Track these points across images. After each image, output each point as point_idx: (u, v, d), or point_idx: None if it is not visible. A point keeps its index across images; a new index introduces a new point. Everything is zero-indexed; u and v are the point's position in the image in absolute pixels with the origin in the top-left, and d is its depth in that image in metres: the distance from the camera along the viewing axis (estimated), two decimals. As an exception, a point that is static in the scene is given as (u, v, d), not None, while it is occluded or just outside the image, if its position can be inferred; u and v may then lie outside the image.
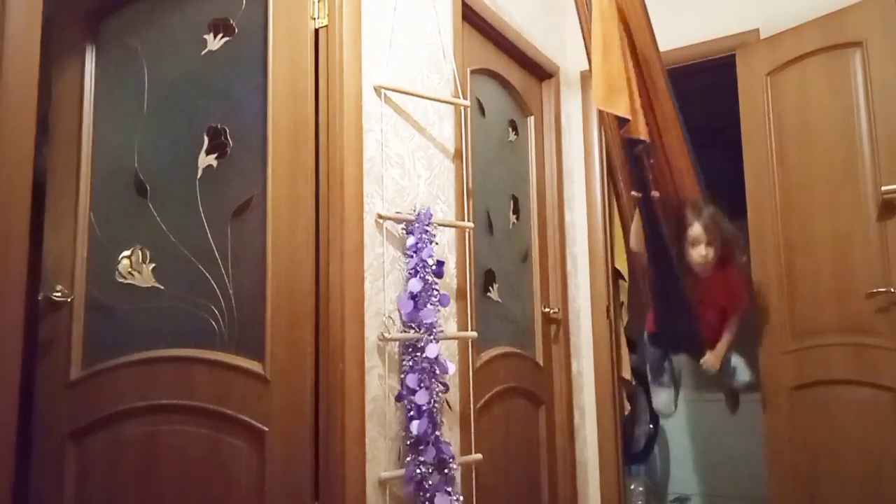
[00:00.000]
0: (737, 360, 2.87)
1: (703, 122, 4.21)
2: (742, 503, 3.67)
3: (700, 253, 2.62)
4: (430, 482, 1.95)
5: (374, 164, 2.03)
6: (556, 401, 2.99)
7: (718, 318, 2.75)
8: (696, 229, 2.64)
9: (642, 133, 2.47)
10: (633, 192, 2.73)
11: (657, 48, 2.64)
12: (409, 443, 1.97)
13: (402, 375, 2.01)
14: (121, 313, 2.06)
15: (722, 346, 2.74)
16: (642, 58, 2.57)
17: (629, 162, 2.72)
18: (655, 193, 2.64)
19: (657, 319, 2.86)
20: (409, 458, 1.96)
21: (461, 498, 2.08)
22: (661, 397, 3.02)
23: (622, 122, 2.44)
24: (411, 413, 1.98)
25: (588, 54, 2.64)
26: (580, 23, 2.69)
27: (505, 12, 2.84)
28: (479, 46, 2.71)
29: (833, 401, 2.62)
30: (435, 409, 2.00)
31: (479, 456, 2.25)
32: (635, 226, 2.74)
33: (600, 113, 2.77)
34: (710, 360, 2.73)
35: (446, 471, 2.00)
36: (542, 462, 2.85)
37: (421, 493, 1.95)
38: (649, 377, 3.04)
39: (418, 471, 1.94)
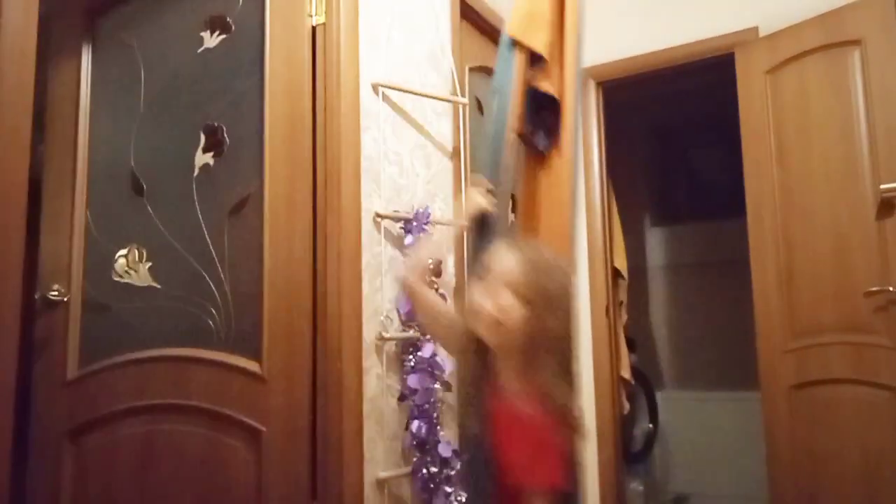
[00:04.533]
0: None
1: (702, 121, 4.23)
2: (741, 502, 3.67)
3: (503, 302, 1.29)
4: (437, 481, 1.95)
5: (371, 163, 2.02)
6: (555, 400, 2.98)
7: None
8: (507, 261, 1.32)
9: (552, 88, 1.89)
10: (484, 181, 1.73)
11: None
12: (413, 443, 1.97)
13: (404, 376, 2.00)
14: (117, 312, 2.05)
15: None
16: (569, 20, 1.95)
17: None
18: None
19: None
20: (415, 458, 1.96)
21: (464, 496, 2.07)
22: None
23: (533, 65, 1.86)
24: (414, 413, 1.98)
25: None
26: None
27: (503, 9, 2.83)
28: (477, 44, 2.70)
29: (832, 400, 2.61)
30: (435, 409, 2.00)
31: (478, 455, 2.25)
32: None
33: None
34: None
35: (448, 470, 1.99)
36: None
37: (427, 493, 1.95)
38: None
39: (425, 470, 1.94)
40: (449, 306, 1.62)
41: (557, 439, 1.29)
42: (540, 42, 1.86)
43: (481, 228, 1.65)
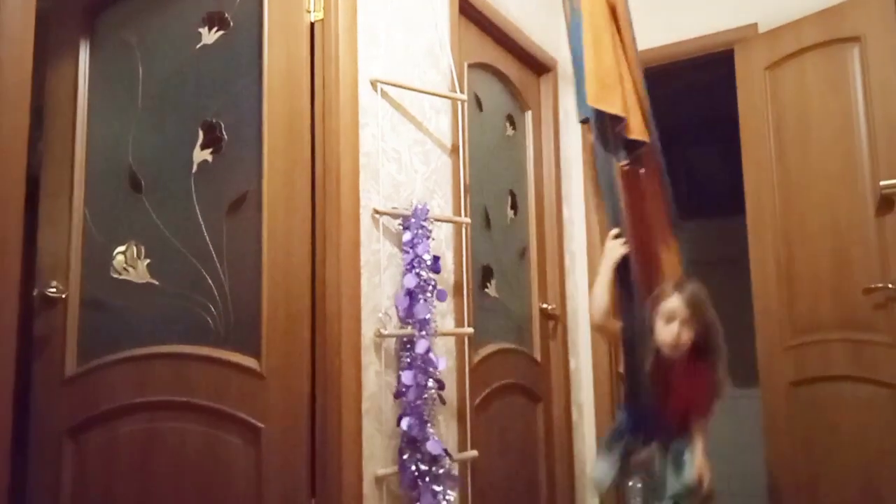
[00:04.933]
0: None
1: (701, 118, 4.21)
2: (740, 499, 3.67)
3: (672, 331, 2.10)
4: (426, 479, 1.94)
5: (370, 159, 2.02)
6: (554, 397, 2.99)
7: (682, 415, 2.20)
8: (673, 302, 2.13)
9: (638, 133, 2.27)
10: (614, 231, 2.27)
11: (636, 52, 2.44)
12: (404, 440, 1.97)
13: (399, 372, 2.00)
14: (116, 309, 2.05)
15: (700, 452, 2.20)
16: (629, 58, 2.40)
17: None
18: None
19: (627, 395, 2.38)
20: (405, 456, 1.95)
21: (455, 494, 2.07)
22: (601, 466, 2.29)
23: (614, 122, 2.26)
24: (406, 410, 1.97)
25: (572, 51, 2.47)
26: (565, 17, 2.53)
27: (502, 6, 2.82)
28: (477, 40, 2.70)
29: (832, 397, 2.61)
30: (425, 406, 1.99)
31: (475, 452, 2.25)
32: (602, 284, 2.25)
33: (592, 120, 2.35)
34: (702, 470, 2.18)
35: (436, 468, 1.98)
36: (539, 458, 2.85)
37: (415, 491, 1.95)
38: (607, 436, 2.40)
39: (413, 467, 1.93)
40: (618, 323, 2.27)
41: (711, 396, 2.20)
42: (618, 102, 2.25)
43: (624, 266, 2.23)
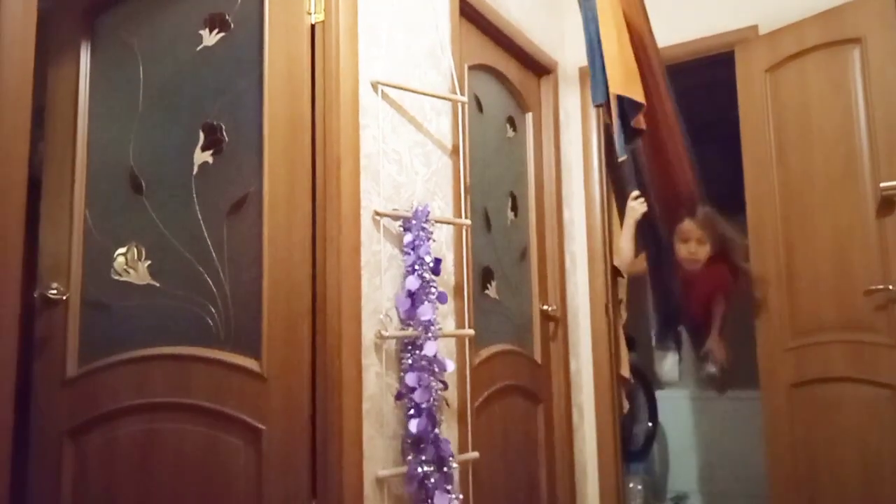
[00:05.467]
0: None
1: (702, 119, 4.21)
2: (741, 501, 3.67)
3: (690, 249, 2.74)
4: (432, 480, 1.95)
5: (371, 161, 2.02)
6: (555, 399, 2.99)
7: (703, 310, 2.85)
8: (686, 224, 2.75)
9: (644, 123, 2.51)
10: (634, 193, 2.81)
11: (654, 39, 2.69)
12: (409, 441, 1.97)
13: (402, 374, 2.00)
14: (117, 311, 2.05)
15: (715, 331, 2.85)
16: (640, 47, 2.61)
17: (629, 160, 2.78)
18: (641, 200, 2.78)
19: (656, 304, 2.99)
20: (409, 457, 1.95)
21: (461, 496, 2.08)
22: (666, 363, 3.06)
23: (628, 111, 2.48)
24: (411, 411, 1.97)
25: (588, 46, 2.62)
26: (579, 4, 2.67)
27: (503, 8, 2.83)
28: (477, 42, 2.70)
29: (832, 398, 2.61)
30: (434, 408, 2.00)
31: (476, 454, 2.25)
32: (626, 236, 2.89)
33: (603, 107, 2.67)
34: (713, 347, 2.83)
35: (445, 469, 1.99)
36: (540, 460, 2.84)
37: (423, 492, 1.95)
38: (654, 342, 3.10)
39: (420, 469, 1.93)
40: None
41: (732, 275, 2.81)
42: (640, 91, 2.43)
43: (647, 223, 2.82)
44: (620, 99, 2.47)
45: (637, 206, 2.82)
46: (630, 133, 2.56)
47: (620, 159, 2.61)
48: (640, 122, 2.49)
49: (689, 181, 2.88)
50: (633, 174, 2.85)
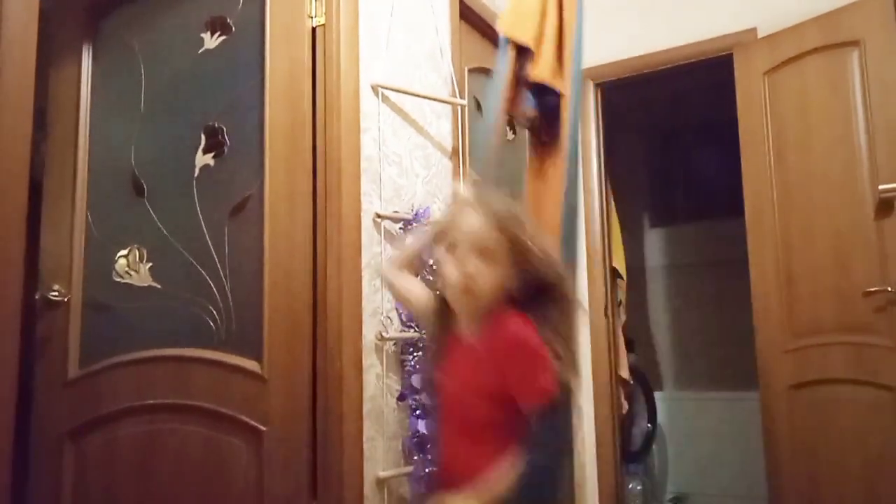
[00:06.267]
0: None
1: (701, 122, 4.23)
2: (740, 502, 3.67)
3: (462, 264, 1.26)
4: None
5: (371, 163, 2.03)
6: (555, 400, 2.99)
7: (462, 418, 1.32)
8: (470, 220, 1.29)
9: (548, 76, 1.97)
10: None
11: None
12: (415, 441, 1.97)
13: (406, 375, 2.01)
14: (118, 312, 2.06)
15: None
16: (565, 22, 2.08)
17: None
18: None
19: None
20: (416, 457, 1.96)
21: None
22: None
23: (523, 59, 2.01)
24: (418, 412, 1.98)
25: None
26: None
27: (502, 11, 2.83)
28: (477, 45, 2.71)
29: (832, 400, 2.61)
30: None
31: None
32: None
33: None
34: None
35: None
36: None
37: (427, 493, 1.95)
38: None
39: (427, 469, 1.94)
40: (423, 290, 1.51)
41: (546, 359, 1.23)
42: (526, 34, 1.96)
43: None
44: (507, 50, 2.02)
45: (464, 192, 1.53)
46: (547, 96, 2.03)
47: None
48: (537, 68, 1.97)
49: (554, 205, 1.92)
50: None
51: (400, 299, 1.70)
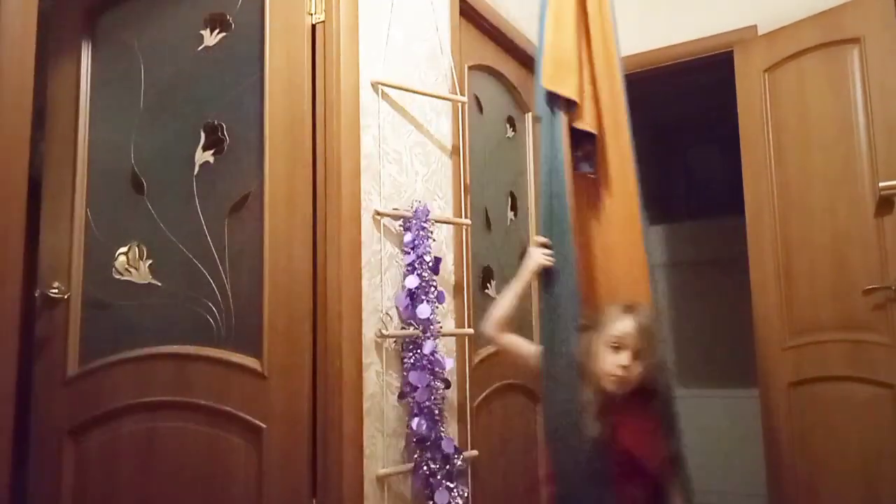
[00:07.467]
0: None
1: (701, 118, 4.23)
2: (740, 500, 3.68)
3: (621, 361, 1.66)
4: (437, 477, 1.96)
5: (371, 161, 2.03)
6: (554, 397, 2.99)
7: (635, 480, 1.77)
8: (625, 325, 1.68)
9: (591, 124, 1.96)
10: (540, 238, 1.87)
11: (616, 49, 2.05)
12: (414, 440, 1.98)
13: (405, 373, 2.01)
14: (118, 310, 2.06)
15: None
16: (599, 52, 2.04)
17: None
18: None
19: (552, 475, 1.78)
20: (416, 455, 1.97)
21: (466, 492, 2.09)
22: None
23: (568, 111, 1.95)
24: (414, 410, 1.98)
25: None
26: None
27: (503, 8, 2.83)
28: (477, 42, 2.70)
29: (831, 397, 2.62)
30: (436, 406, 2.01)
31: (476, 452, 2.26)
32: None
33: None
34: None
35: (449, 466, 2.00)
36: (539, 458, 2.85)
37: (428, 489, 1.96)
38: None
39: (425, 467, 1.95)
40: (528, 346, 1.88)
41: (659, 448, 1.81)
42: (571, 86, 1.94)
43: (547, 280, 1.84)
44: (555, 102, 1.95)
45: (536, 256, 1.84)
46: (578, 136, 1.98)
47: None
48: (576, 118, 1.95)
49: (636, 256, 2.04)
50: (552, 213, 1.89)
51: (512, 357, 1.94)
